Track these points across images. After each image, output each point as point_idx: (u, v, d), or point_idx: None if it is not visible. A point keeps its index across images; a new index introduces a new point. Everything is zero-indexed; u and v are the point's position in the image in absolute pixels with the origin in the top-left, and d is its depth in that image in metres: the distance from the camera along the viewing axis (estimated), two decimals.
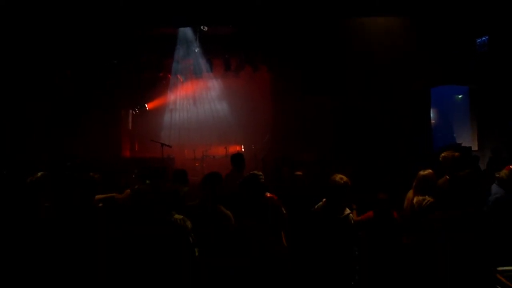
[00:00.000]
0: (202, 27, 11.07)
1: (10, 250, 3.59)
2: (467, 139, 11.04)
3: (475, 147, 10.43)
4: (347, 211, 4.09)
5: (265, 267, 3.80)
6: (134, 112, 13.72)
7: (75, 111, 10.67)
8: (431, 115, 11.08)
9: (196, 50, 11.99)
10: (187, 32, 11.67)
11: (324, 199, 4.14)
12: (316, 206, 4.18)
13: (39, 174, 4.27)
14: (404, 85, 10.38)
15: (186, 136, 13.82)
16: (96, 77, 11.19)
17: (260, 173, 4.15)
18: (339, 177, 4.03)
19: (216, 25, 10.85)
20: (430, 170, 4.58)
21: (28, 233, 3.66)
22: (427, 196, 4.40)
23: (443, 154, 5.16)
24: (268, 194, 4.16)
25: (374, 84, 10.47)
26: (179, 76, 13.45)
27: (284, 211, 4.14)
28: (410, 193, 4.60)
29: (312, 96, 11.02)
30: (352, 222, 4.09)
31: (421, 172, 4.56)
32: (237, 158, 6.13)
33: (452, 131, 12.14)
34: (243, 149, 12.99)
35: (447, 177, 5.04)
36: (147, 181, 4.85)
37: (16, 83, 9.57)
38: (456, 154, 5.11)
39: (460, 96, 12.21)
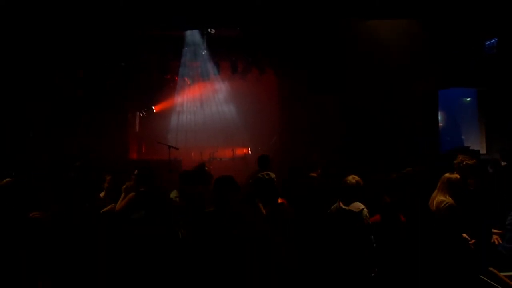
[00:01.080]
0: (209, 30, 11.06)
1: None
2: (475, 142, 10.94)
3: (483, 150, 10.34)
4: (362, 206, 4.18)
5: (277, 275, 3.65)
6: (141, 115, 13.71)
7: (82, 113, 10.65)
8: (439, 117, 10.96)
9: (204, 53, 11.99)
10: (194, 34, 11.66)
11: (339, 200, 4.23)
12: (332, 207, 4.29)
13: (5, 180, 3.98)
14: (412, 87, 10.29)
15: (193, 139, 13.80)
16: (103, 79, 11.17)
17: (274, 175, 4.05)
18: (351, 177, 4.19)
19: (222, 27, 10.84)
20: (457, 175, 4.52)
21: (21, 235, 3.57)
22: (447, 197, 4.36)
23: (459, 159, 5.05)
24: (279, 200, 4.12)
25: (381, 86, 10.34)
26: (186, 79, 13.46)
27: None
28: (435, 194, 4.54)
29: (319, 97, 10.87)
30: (368, 215, 4.19)
31: (447, 175, 4.50)
32: (263, 159, 6.25)
33: (460, 134, 12.03)
34: (250, 152, 13.11)
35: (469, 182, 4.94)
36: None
37: (18, 84, 9.52)
38: (473, 160, 5.01)
39: (468, 99, 12.11)
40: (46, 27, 9.29)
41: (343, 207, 4.18)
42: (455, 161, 5.07)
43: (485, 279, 3.06)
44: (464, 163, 4.94)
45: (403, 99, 10.35)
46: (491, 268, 3.07)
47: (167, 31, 10.92)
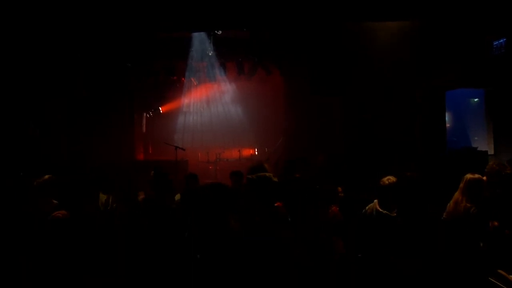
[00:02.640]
0: (216, 31, 11.05)
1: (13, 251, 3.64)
2: (483, 143, 10.83)
3: (491, 151, 10.16)
4: (396, 210, 4.16)
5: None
6: (148, 115, 13.70)
7: (89, 113, 10.62)
8: (446, 118, 10.80)
9: (210, 54, 11.90)
10: (201, 35, 11.67)
11: (376, 200, 4.23)
12: (367, 207, 4.28)
13: (46, 177, 4.27)
14: (418, 87, 10.22)
15: (199, 139, 13.85)
16: (110, 81, 11.15)
17: (272, 175, 3.74)
18: (386, 178, 4.15)
19: (229, 29, 10.79)
20: (479, 175, 4.33)
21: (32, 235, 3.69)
22: (469, 200, 4.21)
23: (491, 166, 4.68)
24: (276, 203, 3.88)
25: (387, 86, 10.24)
26: (193, 79, 13.44)
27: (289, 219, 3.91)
28: (457, 195, 4.33)
29: (325, 98, 10.88)
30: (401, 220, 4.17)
31: (470, 176, 4.28)
32: (292, 164, 6.30)
33: (468, 135, 11.93)
34: (256, 153, 13.11)
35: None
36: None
37: (27, 83, 9.43)
38: (508, 169, 4.60)
39: (475, 100, 11.99)
40: (48, 27, 9.15)
41: (380, 209, 4.13)
42: (487, 166, 4.72)
43: (494, 281, 3.04)
44: (497, 169, 4.55)
45: (410, 99, 10.28)
46: (500, 270, 3.05)
47: (174, 33, 10.88)
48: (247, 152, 12.95)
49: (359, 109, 10.56)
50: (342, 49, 10.47)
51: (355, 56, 10.34)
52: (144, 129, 13.57)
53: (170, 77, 12.51)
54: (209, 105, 14.26)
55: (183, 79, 13.16)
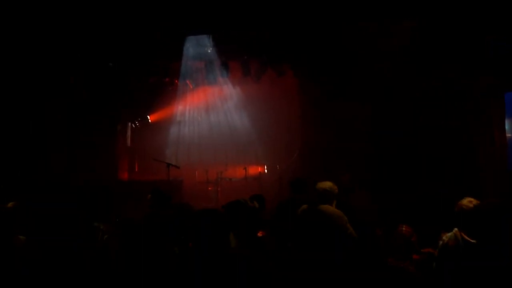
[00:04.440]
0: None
1: None
2: None
3: None
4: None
5: None
6: (133, 126, 12.91)
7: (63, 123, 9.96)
8: (506, 126, 9.50)
9: (209, 51, 11.01)
10: None
11: (455, 229, 3.78)
12: (444, 238, 3.81)
13: (10, 204, 4.18)
14: (470, 88, 9.06)
15: (197, 155, 13.11)
16: (87, 83, 10.32)
17: (248, 200, 3.94)
18: (467, 201, 3.97)
19: (238, 30, 9.90)
20: None
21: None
22: None
23: None
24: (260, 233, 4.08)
25: (429, 89, 9.35)
26: (188, 82, 12.48)
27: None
28: None
29: (350, 104, 9.83)
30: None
31: None
32: (298, 183, 6.11)
33: None
34: (266, 170, 12.32)
35: None
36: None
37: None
38: None
39: None
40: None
41: (467, 238, 3.60)
42: None
43: None
44: None
45: (459, 104, 9.21)
46: None
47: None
48: (255, 169, 12.10)
49: (395, 117, 9.63)
50: (374, 43, 9.53)
51: (393, 52, 9.41)
52: (128, 142, 12.79)
53: (161, 79, 11.69)
54: (208, 113, 13.53)
55: (176, 81, 12.18)
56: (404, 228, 5.01)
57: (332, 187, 4.86)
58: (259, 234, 3.98)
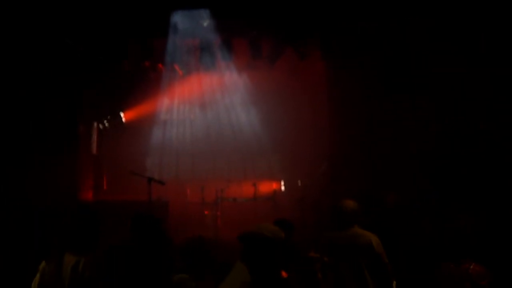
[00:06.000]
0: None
1: None
2: None
3: None
4: None
5: None
6: (101, 127, 11.23)
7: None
8: None
9: (205, 25, 9.19)
10: None
11: None
12: None
13: None
14: None
15: (188, 166, 11.70)
16: (36, 70, 8.63)
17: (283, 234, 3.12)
18: None
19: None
20: None
21: None
22: None
23: None
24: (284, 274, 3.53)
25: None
26: (176, 67, 10.72)
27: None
28: None
29: (396, 97, 8.71)
30: None
31: None
32: (341, 210, 4.86)
33: None
34: (282, 188, 10.89)
35: None
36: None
37: None
38: None
39: None
40: None
41: None
42: None
43: None
44: None
45: None
46: None
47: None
48: (268, 186, 10.61)
49: (465, 116, 8.31)
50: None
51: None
52: (94, 149, 11.03)
53: (140, 62, 9.87)
54: (205, 109, 11.97)
55: (160, 66, 10.45)
56: (472, 266, 3.90)
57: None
58: (284, 275, 3.42)
